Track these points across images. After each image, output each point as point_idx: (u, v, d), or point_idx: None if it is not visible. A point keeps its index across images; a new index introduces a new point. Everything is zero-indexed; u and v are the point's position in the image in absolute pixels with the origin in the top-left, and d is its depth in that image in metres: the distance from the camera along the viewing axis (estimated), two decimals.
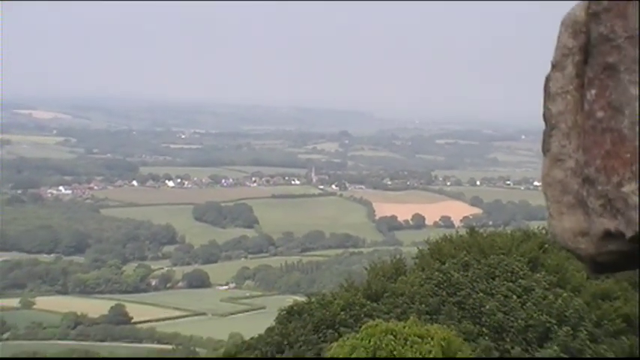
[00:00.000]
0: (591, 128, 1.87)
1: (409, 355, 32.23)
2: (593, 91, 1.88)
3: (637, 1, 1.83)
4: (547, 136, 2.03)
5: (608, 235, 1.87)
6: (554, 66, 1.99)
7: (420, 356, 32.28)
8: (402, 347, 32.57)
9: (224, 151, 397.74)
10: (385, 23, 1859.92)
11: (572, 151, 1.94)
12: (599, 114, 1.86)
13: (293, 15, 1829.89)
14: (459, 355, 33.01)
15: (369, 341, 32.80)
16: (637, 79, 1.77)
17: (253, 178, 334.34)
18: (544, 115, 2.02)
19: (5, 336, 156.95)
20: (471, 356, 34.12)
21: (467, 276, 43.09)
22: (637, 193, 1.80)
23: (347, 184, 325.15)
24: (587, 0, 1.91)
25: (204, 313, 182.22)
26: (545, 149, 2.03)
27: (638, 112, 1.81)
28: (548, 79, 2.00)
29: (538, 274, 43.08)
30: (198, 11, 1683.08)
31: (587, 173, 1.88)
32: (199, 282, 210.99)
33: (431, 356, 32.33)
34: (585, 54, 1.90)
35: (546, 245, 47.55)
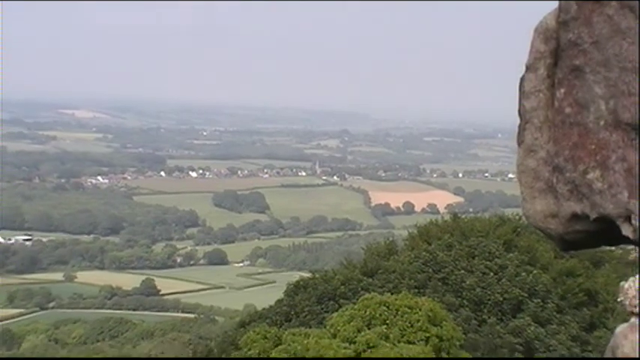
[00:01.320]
0: (560, 122, 1.87)
1: (400, 323, 32.25)
2: (562, 90, 1.87)
3: (602, 12, 1.81)
4: (522, 129, 2.05)
5: (574, 216, 1.88)
6: (528, 68, 2.01)
7: (409, 324, 32.31)
8: (394, 317, 32.61)
9: (240, 147, 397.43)
10: (379, 34, 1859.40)
11: (543, 143, 1.95)
12: (568, 110, 1.87)
13: (300, 29, 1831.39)
14: (446, 325, 33.00)
15: (366, 311, 32.85)
16: (601, 80, 1.79)
17: (265, 170, 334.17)
18: (519, 111, 2.04)
19: (51, 305, 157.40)
20: (454, 325, 34.10)
21: (450, 255, 43.17)
22: (600, 179, 1.82)
23: (346, 176, 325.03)
24: (559, 4, 1.94)
25: (222, 287, 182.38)
26: (520, 141, 2.05)
27: (603, 110, 1.81)
28: (522, 80, 2.02)
29: (512, 254, 43.17)
30: (220, 24, 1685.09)
31: (556, 162, 1.88)
32: (218, 259, 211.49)
33: (418, 325, 32.36)
34: (555, 57, 1.90)
35: (519, 229, 47.66)
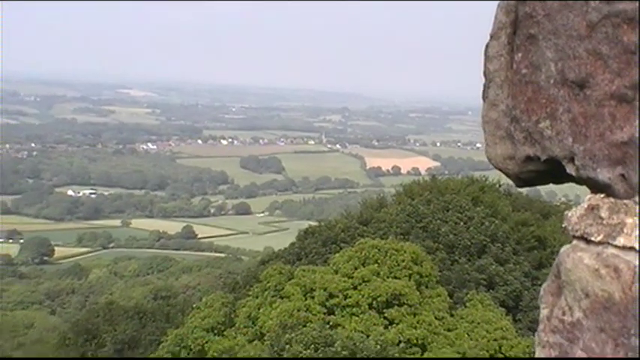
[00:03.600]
0: (518, 81, 1.87)
1: (389, 263, 32.29)
2: (520, 54, 1.87)
3: None
4: (486, 87, 2.02)
5: (528, 158, 1.87)
6: (491, 36, 1.99)
7: (396, 263, 32.34)
8: (384, 257, 32.67)
9: (261, 120, 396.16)
10: (375, 26, 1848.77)
11: (503, 98, 1.95)
12: (524, 71, 1.82)
13: (310, 24, 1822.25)
14: (425, 264, 33.03)
15: (361, 253, 32.93)
16: (551, 45, 1.78)
17: (281, 139, 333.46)
18: (484, 72, 2.01)
19: (111, 245, 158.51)
20: (432, 264, 34.11)
21: (429, 209, 43.12)
22: (550, 128, 1.81)
23: (347, 144, 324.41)
24: None
25: (246, 232, 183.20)
26: (485, 97, 2.03)
27: (552, 70, 1.81)
28: (487, 46, 2.00)
29: (478, 208, 43.12)
30: (247, 20, 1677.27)
31: (514, 114, 1.88)
32: (243, 210, 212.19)
33: (403, 264, 32.38)
34: (514, 27, 1.91)
35: (485, 188, 47.64)
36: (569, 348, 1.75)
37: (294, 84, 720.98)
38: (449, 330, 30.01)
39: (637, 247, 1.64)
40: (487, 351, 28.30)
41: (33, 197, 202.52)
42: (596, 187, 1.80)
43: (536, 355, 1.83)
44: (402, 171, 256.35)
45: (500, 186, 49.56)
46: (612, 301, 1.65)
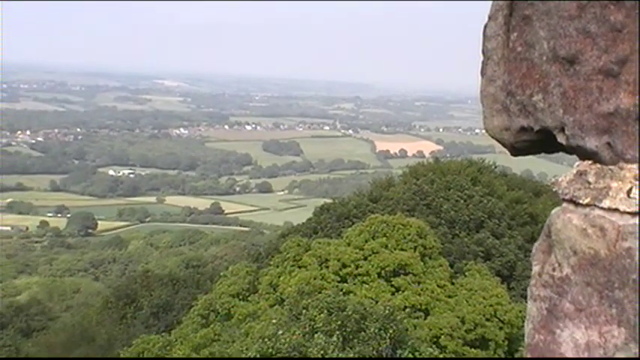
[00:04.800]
0: (513, 58, 1.87)
1: (396, 236, 32.23)
2: (515, 34, 1.88)
3: None
4: (484, 64, 2.01)
5: (522, 129, 1.87)
6: (490, 17, 1.98)
7: (403, 237, 32.25)
8: (392, 231, 32.62)
9: (282, 108, 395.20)
10: (384, 23, 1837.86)
11: (500, 74, 1.95)
12: (519, 49, 1.84)
13: (322, 18, 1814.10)
14: (429, 238, 32.92)
15: (371, 227, 32.88)
16: (544, 25, 1.78)
17: (300, 125, 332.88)
18: (483, 51, 2.00)
19: (148, 219, 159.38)
20: (435, 238, 33.98)
21: (432, 188, 42.99)
22: (542, 101, 1.81)
23: (359, 130, 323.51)
24: None
25: (268, 209, 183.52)
26: (483, 73, 2.01)
27: (545, 48, 1.81)
28: (485, 26, 1.99)
29: (477, 187, 42.94)
30: (267, 17, 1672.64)
31: (510, 88, 1.87)
32: (266, 189, 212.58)
33: (409, 237, 32.30)
34: (511, 9, 1.91)
35: (482, 169, 47.48)
36: (558, 301, 1.76)
37: (311, 75, 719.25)
38: (449, 297, 30.02)
39: (622, 209, 1.66)
40: (483, 315, 28.30)
41: (78, 176, 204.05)
42: (584, 154, 1.80)
43: (528, 307, 1.83)
44: (409, 154, 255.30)
45: (496, 167, 49.41)
46: (598, 258, 1.66)
